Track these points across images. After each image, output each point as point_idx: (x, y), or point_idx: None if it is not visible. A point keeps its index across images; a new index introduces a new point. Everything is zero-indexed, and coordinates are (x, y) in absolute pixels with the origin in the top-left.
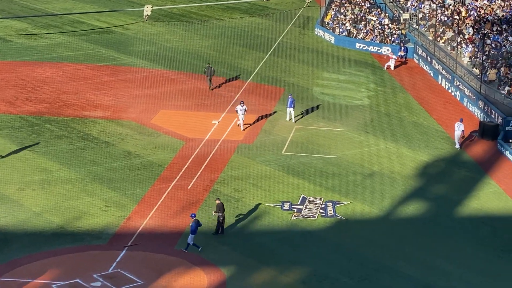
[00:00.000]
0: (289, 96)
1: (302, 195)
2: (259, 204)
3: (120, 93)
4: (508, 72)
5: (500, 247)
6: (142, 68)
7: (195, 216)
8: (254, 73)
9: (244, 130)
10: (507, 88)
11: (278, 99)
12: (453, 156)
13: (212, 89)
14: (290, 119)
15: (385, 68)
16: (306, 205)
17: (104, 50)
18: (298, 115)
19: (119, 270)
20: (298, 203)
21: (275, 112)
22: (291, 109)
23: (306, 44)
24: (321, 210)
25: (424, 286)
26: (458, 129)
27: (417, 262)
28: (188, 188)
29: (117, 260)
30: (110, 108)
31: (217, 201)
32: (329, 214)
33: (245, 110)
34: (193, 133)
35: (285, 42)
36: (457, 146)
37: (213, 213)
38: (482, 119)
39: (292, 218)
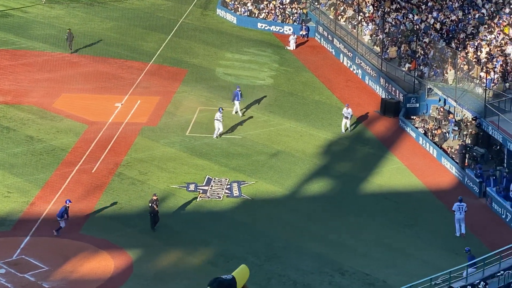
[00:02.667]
0: (237, 89)
1: (207, 176)
2: (165, 186)
3: (20, 78)
4: (408, 49)
5: (403, 222)
6: (42, 51)
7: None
8: (157, 54)
9: (218, 137)
10: (407, 65)
11: (181, 81)
12: (356, 134)
13: (72, 53)
14: (236, 112)
15: (287, 48)
16: (212, 186)
17: (2, 34)
18: (208, 99)
19: (23, 256)
20: (204, 184)
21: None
22: (238, 102)
23: (208, 25)
24: (226, 191)
25: (331, 263)
26: (347, 114)
27: (323, 239)
28: (92, 172)
29: (21, 247)
30: (11, 93)
31: (154, 197)
32: (234, 194)
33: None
34: (96, 116)
35: (187, 23)
36: (343, 131)
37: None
38: (383, 97)
39: (198, 199)
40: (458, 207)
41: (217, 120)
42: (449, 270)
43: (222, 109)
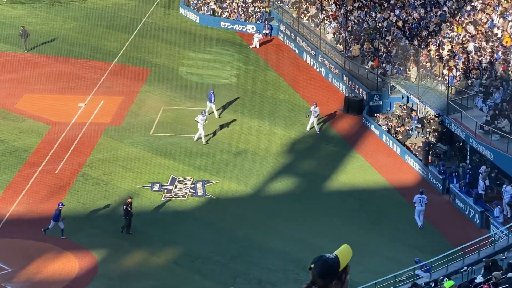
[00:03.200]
0: (210, 91)
1: (171, 175)
2: (129, 186)
3: None
4: (371, 47)
5: (368, 219)
6: (3, 52)
7: (63, 205)
8: (120, 54)
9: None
10: (370, 63)
11: (144, 80)
12: (320, 132)
13: (28, 51)
14: (211, 113)
15: (250, 46)
16: (176, 185)
17: None
18: (169, 97)
19: None
20: (168, 184)
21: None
22: (212, 104)
23: (171, 24)
24: (191, 190)
25: (295, 261)
26: (314, 113)
27: (288, 237)
28: (56, 172)
29: None
30: None
31: (129, 200)
32: (199, 194)
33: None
34: (59, 116)
35: (150, 23)
36: (307, 129)
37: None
38: (347, 95)
39: (163, 199)
40: (419, 199)
41: (198, 123)
42: (412, 267)
43: (205, 112)
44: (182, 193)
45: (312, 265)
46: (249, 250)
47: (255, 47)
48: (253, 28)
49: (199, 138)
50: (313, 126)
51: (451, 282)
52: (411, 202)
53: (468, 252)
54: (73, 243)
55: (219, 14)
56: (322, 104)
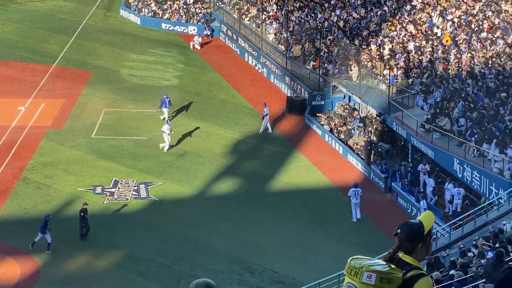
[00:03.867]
0: (164, 96)
1: (114, 178)
2: (71, 189)
3: None
4: (312, 47)
5: (312, 219)
6: None
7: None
8: (60, 57)
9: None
10: (312, 63)
11: (85, 83)
12: (262, 133)
13: None
14: (164, 119)
15: (191, 47)
16: (119, 188)
17: None
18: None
19: None
20: (111, 187)
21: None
22: (166, 109)
23: (111, 26)
24: (134, 192)
25: (240, 262)
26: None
27: (232, 238)
28: None
29: None
30: None
31: (84, 206)
32: (142, 196)
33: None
34: None
35: (90, 25)
36: (260, 131)
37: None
38: (289, 95)
39: (105, 202)
40: (353, 192)
41: (164, 133)
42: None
43: (170, 121)
44: (125, 195)
45: (398, 230)
46: (193, 251)
47: (196, 48)
48: (194, 30)
49: (167, 147)
50: (267, 128)
51: None
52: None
53: None
54: (15, 248)
55: (160, 16)
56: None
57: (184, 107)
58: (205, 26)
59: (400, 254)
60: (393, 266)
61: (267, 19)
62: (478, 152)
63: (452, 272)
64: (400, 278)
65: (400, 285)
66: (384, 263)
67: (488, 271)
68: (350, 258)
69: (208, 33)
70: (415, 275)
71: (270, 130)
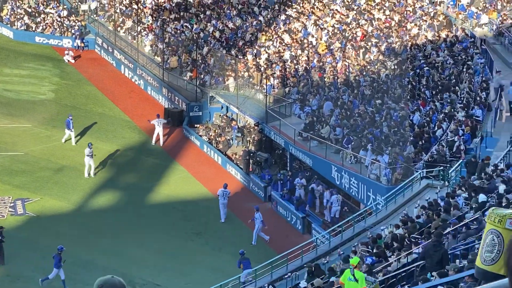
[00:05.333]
0: (68, 118)
1: None
2: None
3: None
4: (189, 58)
5: (192, 230)
6: None
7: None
8: None
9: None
10: (188, 74)
11: None
12: (141, 145)
13: None
14: (69, 139)
15: (66, 61)
16: None
17: None
18: None
19: None
20: None
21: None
22: (71, 131)
23: None
24: (10, 209)
25: (121, 276)
26: (159, 126)
27: (112, 252)
28: None
29: None
30: None
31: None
32: (18, 212)
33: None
34: None
35: None
36: (153, 142)
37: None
38: (167, 106)
39: None
40: (222, 192)
41: (88, 156)
42: (238, 275)
43: (92, 145)
44: (1, 212)
45: None
46: (74, 267)
47: (71, 61)
48: (69, 42)
49: (91, 170)
50: (159, 139)
51: (356, 259)
52: (235, 211)
53: (291, 258)
54: None
55: (33, 29)
56: (142, 117)
57: (60, 121)
58: (76, 37)
59: None
60: None
61: (142, 30)
62: (355, 159)
63: (332, 279)
64: None
65: None
66: None
67: (429, 252)
68: (492, 208)
69: (80, 46)
70: None
71: (160, 140)
